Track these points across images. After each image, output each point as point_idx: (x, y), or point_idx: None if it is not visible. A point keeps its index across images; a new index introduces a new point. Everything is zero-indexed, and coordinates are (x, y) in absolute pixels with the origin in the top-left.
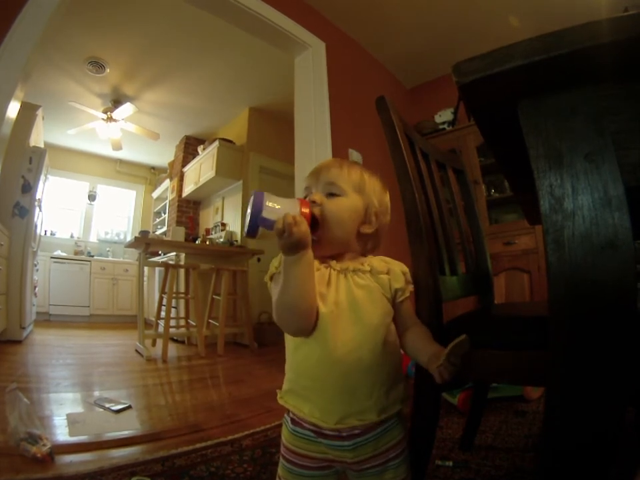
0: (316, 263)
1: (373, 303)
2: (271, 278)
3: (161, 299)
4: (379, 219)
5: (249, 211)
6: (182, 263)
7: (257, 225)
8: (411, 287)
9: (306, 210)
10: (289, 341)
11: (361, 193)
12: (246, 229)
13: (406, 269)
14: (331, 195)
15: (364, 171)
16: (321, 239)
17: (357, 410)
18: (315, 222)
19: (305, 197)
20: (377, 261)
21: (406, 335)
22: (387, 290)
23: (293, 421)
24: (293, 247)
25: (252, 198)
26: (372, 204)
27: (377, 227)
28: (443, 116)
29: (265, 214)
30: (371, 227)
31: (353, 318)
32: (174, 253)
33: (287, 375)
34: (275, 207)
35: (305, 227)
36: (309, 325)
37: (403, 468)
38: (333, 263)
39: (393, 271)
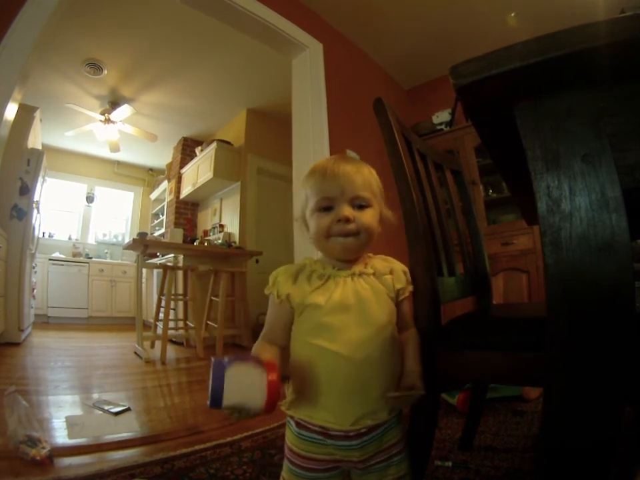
0: (319, 269)
1: (379, 303)
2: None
3: (159, 300)
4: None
5: (210, 382)
6: (180, 264)
7: (219, 404)
8: (410, 287)
9: (273, 377)
10: (298, 349)
11: (376, 197)
12: (209, 401)
13: (406, 269)
14: (360, 207)
15: (370, 170)
16: (355, 246)
17: (370, 410)
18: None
19: (327, 208)
20: (379, 262)
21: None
22: (391, 290)
23: (297, 424)
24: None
25: (211, 369)
26: (382, 204)
27: None
28: (441, 117)
29: (225, 398)
30: (382, 225)
31: (361, 319)
32: (172, 255)
33: (294, 385)
34: (234, 390)
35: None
36: None
37: (404, 464)
38: (340, 271)
39: (395, 271)
